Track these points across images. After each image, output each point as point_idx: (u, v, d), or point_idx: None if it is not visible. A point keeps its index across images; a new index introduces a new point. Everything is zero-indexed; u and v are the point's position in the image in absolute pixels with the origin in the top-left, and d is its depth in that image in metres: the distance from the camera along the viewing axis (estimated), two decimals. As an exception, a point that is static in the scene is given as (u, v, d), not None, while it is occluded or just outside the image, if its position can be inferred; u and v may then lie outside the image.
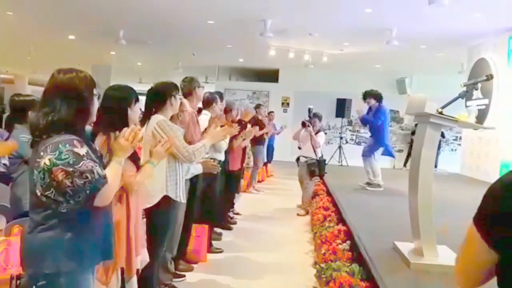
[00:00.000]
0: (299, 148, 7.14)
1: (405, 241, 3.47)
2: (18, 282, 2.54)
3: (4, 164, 3.04)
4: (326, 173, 7.07)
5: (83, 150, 1.69)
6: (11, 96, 3.49)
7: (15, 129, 3.21)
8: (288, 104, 14.83)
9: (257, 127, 7.14)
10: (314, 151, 6.72)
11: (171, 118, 3.23)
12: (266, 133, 8.75)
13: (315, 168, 6.71)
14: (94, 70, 13.50)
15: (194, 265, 4.22)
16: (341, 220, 4.84)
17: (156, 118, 3.05)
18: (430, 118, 3.08)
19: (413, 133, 12.85)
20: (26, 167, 2.73)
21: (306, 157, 6.86)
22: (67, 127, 1.73)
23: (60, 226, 1.72)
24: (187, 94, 3.95)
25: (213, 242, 4.86)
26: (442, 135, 11.46)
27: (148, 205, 2.97)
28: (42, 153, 1.66)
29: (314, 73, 13.69)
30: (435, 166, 4.42)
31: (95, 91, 1.86)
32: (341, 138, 13.49)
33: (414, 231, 3.26)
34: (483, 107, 8.52)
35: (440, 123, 3.12)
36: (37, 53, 13.74)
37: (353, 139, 14.50)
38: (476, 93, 8.50)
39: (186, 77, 4.06)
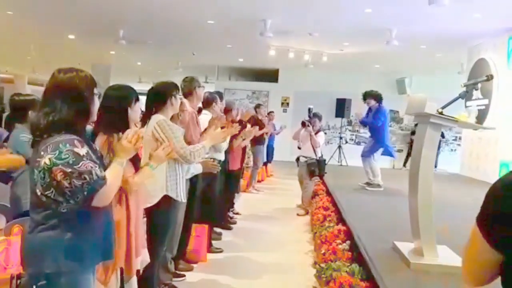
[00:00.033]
0: (299, 148, 7.14)
1: (405, 241, 3.47)
2: (18, 281, 2.54)
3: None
4: (326, 173, 7.07)
5: (83, 150, 1.69)
6: (11, 96, 3.49)
7: (16, 129, 3.21)
8: (288, 104, 14.83)
9: (257, 127, 7.15)
10: (314, 151, 6.72)
11: (172, 118, 3.23)
12: (266, 133, 8.75)
13: (315, 168, 6.71)
14: (94, 69, 13.51)
15: (194, 265, 4.22)
16: (341, 220, 4.84)
17: (156, 118, 3.05)
18: (430, 118, 3.08)
19: (412, 133, 12.86)
20: (26, 167, 2.73)
21: (306, 157, 6.86)
22: (68, 126, 1.73)
23: (60, 226, 1.72)
24: (187, 94, 3.95)
25: (213, 242, 4.86)
26: (442, 135, 11.46)
27: (149, 205, 2.97)
28: (42, 153, 1.67)
29: (314, 73, 13.70)
30: (435, 166, 4.42)
31: (95, 91, 1.86)
32: (340, 138, 13.49)
33: (414, 231, 3.26)
34: (483, 107, 8.53)
35: (440, 123, 3.12)
36: (37, 53, 13.74)
37: (352, 139, 14.51)
38: (476, 93, 8.51)
39: (186, 77, 4.06)
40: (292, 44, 10.68)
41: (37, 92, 3.83)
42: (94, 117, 1.94)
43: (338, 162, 12.02)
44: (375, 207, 5.44)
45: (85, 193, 1.68)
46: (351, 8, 7.56)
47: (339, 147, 12.54)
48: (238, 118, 5.87)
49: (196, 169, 3.80)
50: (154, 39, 11.24)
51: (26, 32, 11.11)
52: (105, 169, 1.84)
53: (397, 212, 4.73)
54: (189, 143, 3.32)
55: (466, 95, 3.40)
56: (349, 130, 14.51)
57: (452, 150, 13.69)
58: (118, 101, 2.40)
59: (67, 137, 1.70)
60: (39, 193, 1.69)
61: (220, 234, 5.29)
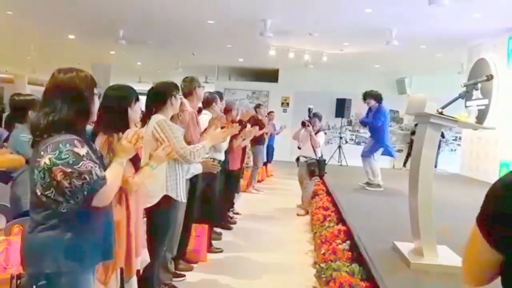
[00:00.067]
0: (299, 148, 7.14)
1: (405, 241, 3.47)
2: (18, 281, 2.54)
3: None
4: (326, 173, 7.07)
5: (83, 150, 1.69)
6: (11, 96, 3.49)
7: (16, 129, 3.21)
8: (288, 104, 14.83)
9: (257, 127, 7.15)
10: (314, 151, 6.72)
11: (172, 118, 3.23)
12: (266, 133, 8.74)
13: (315, 168, 6.71)
14: (94, 69, 13.52)
15: (194, 265, 4.22)
16: (341, 220, 4.84)
17: (156, 118, 3.05)
18: (430, 118, 3.08)
19: (412, 133, 12.86)
20: (26, 167, 2.73)
21: (306, 157, 6.86)
22: (68, 126, 1.73)
23: (60, 226, 1.72)
24: (188, 94, 3.95)
25: (213, 242, 4.86)
26: (442, 135, 11.46)
27: (149, 205, 2.97)
28: (42, 153, 1.67)
29: (314, 73, 13.70)
30: (435, 166, 4.42)
31: (95, 91, 1.86)
32: (340, 138, 13.49)
33: (414, 231, 3.26)
34: (483, 107, 8.53)
35: (440, 123, 3.12)
36: (37, 53, 13.74)
37: (352, 139, 14.51)
38: (476, 93, 8.51)
39: (186, 77, 4.06)
40: (292, 44, 10.68)
41: (37, 92, 3.83)
42: (94, 117, 1.94)
43: (338, 162, 12.02)
44: (375, 207, 5.44)
45: (85, 193, 1.68)
46: (351, 8, 7.56)
47: (339, 147, 12.54)
48: (238, 118, 5.87)
49: (196, 169, 3.80)
50: (154, 39, 11.24)
51: (26, 32, 11.11)
52: (105, 169, 1.85)
53: (397, 212, 4.73)
54: (189, 143, 3.32)
55: (466, 95, 3.39)
56: (349, 130, 14.51)
57: (452, 150, 13.69)
58: (118, 101, 2.40)
59: (67, 137, 1.70)
60: (39, 193, 1.69)
61: (220, 234, 5.29)
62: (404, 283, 2.96)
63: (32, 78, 19.62)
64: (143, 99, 3.00)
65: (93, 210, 1.77)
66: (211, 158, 4.36)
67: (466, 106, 8.49)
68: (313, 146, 6.69)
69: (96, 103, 1.90)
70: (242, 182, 8.11)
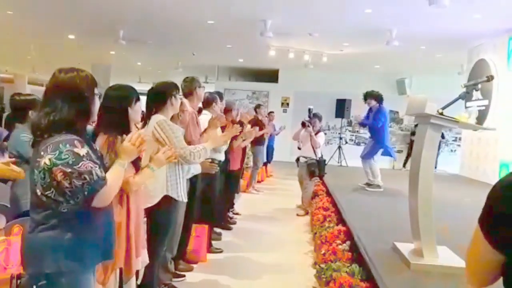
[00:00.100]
0: (299, 148, 7.14)
1: (405, 241, 3.47)
2: (18, 281, 2.53)
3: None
4: (325, 173, 7.07)
5: (83, 151, 1.69)
6: (11, 96, 3.49)
7: (16, 128, 3.21)
8: (288, 104, 14.83)
9: (257, 128, 7.15)
10: (314, 152, 6.72)
11: (172, 118, 3.23)
12: (266, 133, 8.74)
13: (315, 169, 6.71)
14: (94, 69, 13.50)
15: (194, 265, 4.22)
16: (341, 220, 4.84)
17: (156, 118, 3.05)
18: (430, 119, 3.08)
19: (412, 133, 12.87)
20: (26, 167, 2.72)
21: (306, 158, 6.86)
22: (68, 126, 1.73)
23: (60, 226, 1.72)
24: (188, 94, 3.95)
25: (213, 242, 4.86)
26: (442, 136, 11.46)
27: (149, 205, 2.97)
28: (42, 153, 1.67)
29: (314, 74, 13.69)
30: (435, 167, 4.42)
31: (96, 91, 1.86)
32: (340, 138, 13.49)
33: (414, 231, 3.26)
34: (483, 108, 8.53)
35: (441, 124, 3.12)
36: (37, 53, 13.74)
37: (352, 140, 14.51)
38: (476, 94, 8.51)
39: (187, 77, 4.06)
40: (292, 44, 10.68)
41: (37, 92, 3.83)
42: (95, 117, 1.94)
43: (338, 162, 12.03)
44: (375, 208, 5.44)
45: (85, 193, 1.68)
46: (351, 9, 7.56)
47: (339, 147, 12.54)
48: (238, 119, 5.87)
49: (196, 169, 3.80)
50: (154, 39, 11.24)
51: (26, 32, 11.10)
52: (105, 169, 1.84)
53: (397, 213, 4.73)
54: (189, 143, 3.32)
55: (466, 96, 3.39)
56: (349, 131, 14.51)
57: (451, 150, 13.69)
58: (118, 101, 2.40)
59: (67, 137, 1.70)
60: (39, 193, 1.69)
61: (220, 234, 5.29)
62: (404, 284, 2.95)
63: (32, 78, 19.62)
64: (143, 99, 3.00)
65: (93, 210, 1.77)
66: (209, 159, 4.36)
67: (466, 107, 8.50)
68: (313, 147, 6.69)
69: (97, 103, 1.90)
70: (242, 183, 8.11)
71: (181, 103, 3.51)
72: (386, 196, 6.23)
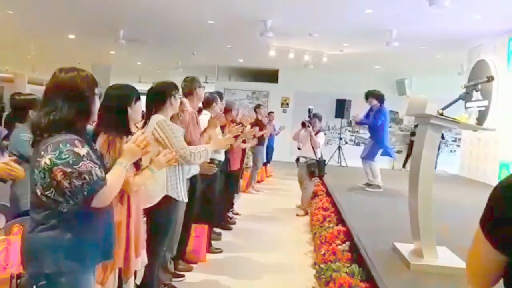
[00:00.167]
0: (299, 148, 7.13)
1: (405, 242, 3.47)
2: (18, 281, 2.53)
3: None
4: (325, 173, 7.07)
5: (83, 151, 1.69)
6: (11, 95, 3.49)
7: (16, 128, 3.21)
8: (287, 104, 14.83)
9: (257, 128, 7.15)
10: (314, 152, 6.72)
11: (172, 118, 3.23)
12: (266, 134, 8.73)
13: (315, 169, 6.71)
14: (94, 69, 13.50)
15: (194, 265, 4.22)
16: (341, 220, 4.84)
17: (156, 118, 3.05)
18: (430, 120, 3.08)
19: (412, 134, 12.87)
20: (27, 166, 2.72)
21: (305, 158, 6.86)
22: (68, 126, 1.73)
23: (60, 226, 1.72)
24: (188, 94, 3.95)
25: (213, 242, 4.86)
26: (442, 137, 11.44)
27: (149, 205, 2.97)
28: (42, 153, 1.66)
29: (314, 74, 13.69)
30: (435, 168, 4.42)
31: (96, 91, 1.86)
32: (340, 138, 13.49)
33: (414, 232, 3.26)
34: (483, 108, 8.53)
35: (441, 124, 3.12)
36: (37, 52, 13.74)
37: (352, 140, 14.51)
38: (476, 95, 8.51)
39: (187, 77, 4.06)
40: (292, 45, 10.68)
41: (37, 91, 3.83)
42: (95, 117, 1.94)
43: (338, 163, 12.03)
44: (375, 208, 5.44)
45: (85, 193, 1.68)
46: (351, 9, 7.56)
47: (339, 147, 12.54)
48: (238, 119, 5.87)
49: (196, 169, 3.81)
50: (154, 39, 11.24)
51: (26, 32, 11.10)
52: (105, 169, 1.84)
53: (397, 213, 4.73)
54: (189, 143, 3.32)
55: (466, 97, 3.39)
56: (349, 131, 14.51)
57: (451, 151, 13.69)
58: (118, 100, 2.40)
59: (67, 137, 1.70)
60: (39, 193, 1.69)
61: (219, 234, 5.29)
62: (404, 284, 2.96)
63: (32, 77, 19.62)
64: (143, 99, 3.00)
65: (93, 210, 1.77)
66: (210, 159, 4.36)
67: (466, 108, 8.49)
68: (313, 147, 6.69)
69: (97, 103, 1.90)
70: (242, 183, 8.11)
71: (181, 103, 3.51)
72: (386, 197, 6.23)
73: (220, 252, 4.76)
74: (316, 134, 6.75)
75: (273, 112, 10.95)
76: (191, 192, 3.77)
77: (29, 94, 3.51)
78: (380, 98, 6.69)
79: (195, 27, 9.49)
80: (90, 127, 2.15)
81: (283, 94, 14.79)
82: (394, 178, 7.72)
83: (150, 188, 2.91)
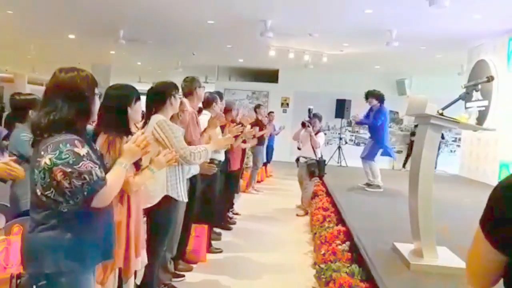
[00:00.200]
0: (299, 148, 7.14)
1: (405, 242, 3.47)
2: (18, 281, 2.53)
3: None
4: (325, 173, 7.07)
5: (83, 151, 1.69)
6: (11, 95, 3.49)
7: (16, 128, 3.21)
8: (287, 104, 14.83)
9: (257, 128, 7.15)
10: (314, 152, 6.72)
11: (172, 118, 3.23)
12: (265, 134, 8.73)
13: (315, 169, 6.71)
14: (94, 69, 13.50)
15: (194, 265, 4.22)
16: (341, 220, 4.84)
17: (156, 118, 3.05)
18: (430, 120, 3.08)
19: (412, 134, 12.87)
20: (27, 166, 2.72)
21: (305, 158, 6.86)
22: (68, 126, 1.73)
23: (60, 226, 1.72)
24: (188, 94, 3.95)
25: (213, 242, 4.86)
26: (442, 137, 11.44)
27: (149, 205, 2.97)
28: (42, 153, 1.66)
29: (314, 74, 13.69)
30: (435, 168, 4.42)
31: (96, 91, 1.86)
32: (340, 138, 13.49)
33: (414, 232, 3.26)
34: (483, 108, 8.53)
35: (441, 124, 3.12)
36: (37, 52, 13.74)
37: (352, 140, 14.52)
38: (476, 95, 8.51)
39: (187, 77, 4.06)
40: (292, 45, 10.68)
41: (37, 91, 3.83)
42: (95, 117, 1.94)
43: (338, 163, 12.03)
44: (375, 208, 5.44)
45: (85, 193, 1.68)
46: (351, 9, 7.56)
47: (339, 147, 12.54)
48: (238, 119, 5.87)
49: (196, 169, 3.81)
50: (154, 39, 11.24)
51: (26, 32, 11.10)
52: (105, 169, 1.84)
53: (397, 213, 4.73)
54: (189, 143, 3.32)
55: (466, 97, 3.39)
56: (349, 131, 14.51)
57: (451, 151, 13.69)
58: (118, 100, 2.40)
59: (67, 137, 1.70)
60: (39, 193, 1.69)
61: (219, 234, 5.29)
62: (404, 284, 2.96)
63: (32, 77, 19.62)
64: (143, 99, 3.00)
65: (93, 210, 1.77)
66: (210, 159, 4.36)
67: (466, 108, 8.49)
68: (313, 147, 6.69)
69: (97, 103, 1.90)
70: (242, 183, 8.11)
71: (181, 103, 3.51)
72: (386, 197, 6.23)
73: (220, 252, 4.76)
74: (316, 134, 6.75)
75: (273, 112, 10.95)
76: (191, 192, 3.77)
77: (29, 94, 3.51)
78: (380, 98, 6.69)
79: (195, 27, 9.49)
80: (90, 127, 2.15)
81: (283, 94, 14.79)
82: (394, 178, 7.72)
83: (150, 188, 2.91)
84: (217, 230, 5.31)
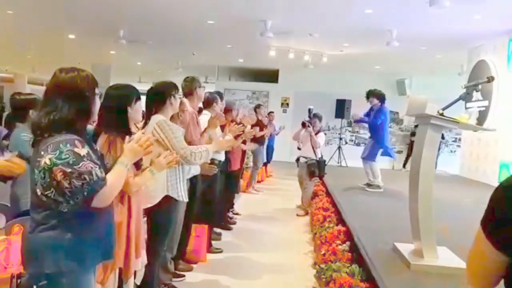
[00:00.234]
0: (299, 148, 7.14)
1: (405, 242, 3.47)
2: (18, 281, 2.53)
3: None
4: (325, 173, 7.06)
5: (83, 151, 1.69)
6: (12, 95, 3.48)
7: (16, 128, 3.21)
8: (287, 104, 14.84)
9: (257, 128, 7.15)
10: (314, 152, 6.72)
11: (172, 118, 3.23)
12: (266, 134, 8.73)
13: (315, 169, 6.71)
14: (94, 69, 13.49)
15: (194, 265, 4.22)
16: (341, 220, 4.84)
17: (156, 118, 3.05)
18: (431, 120, 3.08)
19: (412, 134, 12.87)
20: (26, 165, 2.72)
21: (306, 158, 6.86)
22: (68, 126, 1.73)
23: (61, 226, 1.72)
24: (188, 94, 3.95)
25: (213, 242, 4.86)
26: (442, 137, 11.43)
27: (149, 205, 2.97)
28: (42, 153, 1.66)
29: (314, 74, 13.69)
30: (435, 168, 4.42)
31: (96, 91, 1.86)
32: (340, 138, 13.50)
33: (414, 232, 3.26)
34: (483, 108, 8.53)
35: (441, 124, 3.12)
36: (37, 52, 13.74)
37: (352, 140, 14.52)
38: (476, 95, 8.51)
39: (187, 77, 4.06)
40: (292, 45, 10.68)
41: (37, 91, 3.83)
42: (95, 117, 1.94)
43: (338, 163, 12.03)
44: (375, 208, 5.44)
45: (85, 193, 1.68)
46: (351, 9, 7.56)
47: (339, 148, 12.55)
48: (238, 119, 5.87)
49: (196, 169, 3.81)
50: (154, 39, 11.24)
51: (26, 32, 11.10)
52: (106, 169, 1.84)
53: (397, 213, 4.73)
54: (189, 143, 3.32)
55: (467, 97, 3.39)
56: (349, 131, 14.51)
57: (451, 151, 13.69)
58: (118, 100, 2.40)
59: (67, 137, 1.70)
60: (39, 193, 1.69)
61: (219, 234, 5.29)
62: (404, 284, 2.96)
63: (32, 77, 19.62)
64: (143, 99, 3.00)
65: (93, 210, 1.77)
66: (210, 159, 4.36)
67: (466, 108, 8.49)
68: (313, 147, 6.69)
69: (97, 103, 1.90)
70: (242, 183, 8.11)
71: (181, 103, 3.51)
72: (386, 197, 6.23)
73: (220, 252, 4.76)
74: (316, 134, 6.75)
75: (273, 112, 10.95)
76: (192, 192, 3.77)
77: (29, 94, 3.50)
78: (381, 97, 6.69)
79: (195, 27, 9.49)
80: (90, 127, 2.15)
81: (283, 94, 14.79)
82: (394, 178, 7.72)
83: (151, 188, 2.91)
84: (217, 230, 5.31)
